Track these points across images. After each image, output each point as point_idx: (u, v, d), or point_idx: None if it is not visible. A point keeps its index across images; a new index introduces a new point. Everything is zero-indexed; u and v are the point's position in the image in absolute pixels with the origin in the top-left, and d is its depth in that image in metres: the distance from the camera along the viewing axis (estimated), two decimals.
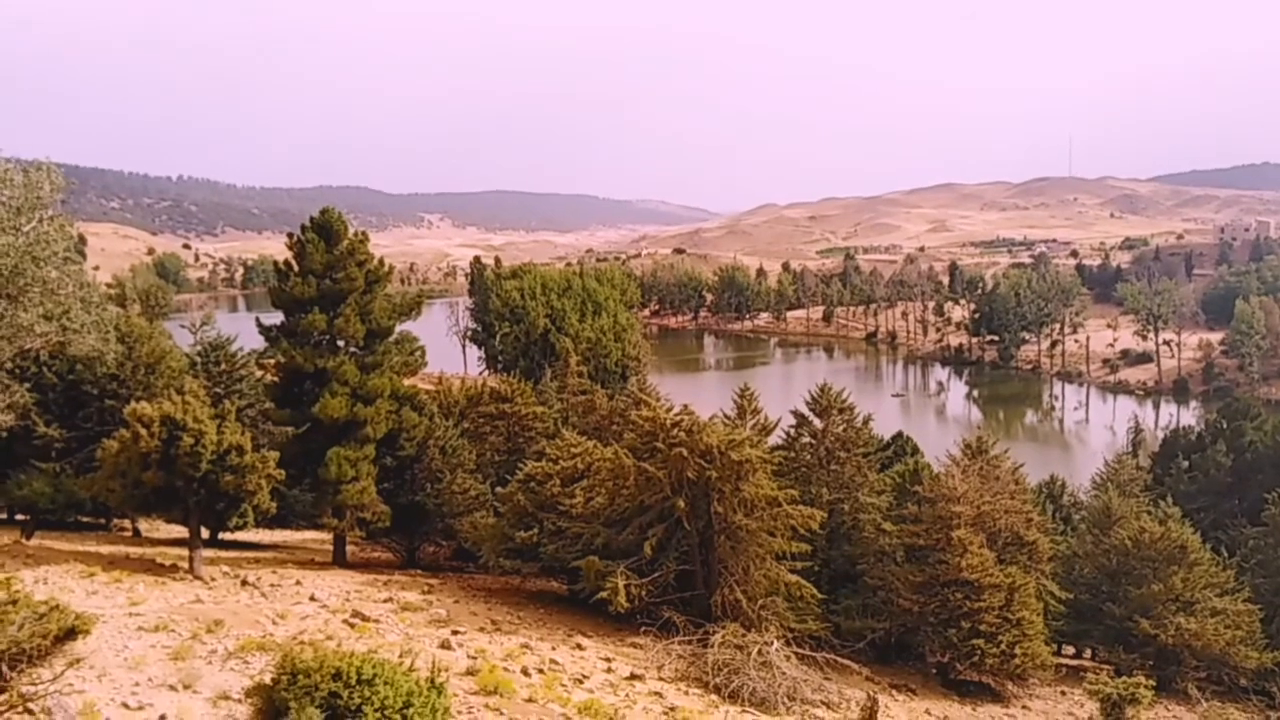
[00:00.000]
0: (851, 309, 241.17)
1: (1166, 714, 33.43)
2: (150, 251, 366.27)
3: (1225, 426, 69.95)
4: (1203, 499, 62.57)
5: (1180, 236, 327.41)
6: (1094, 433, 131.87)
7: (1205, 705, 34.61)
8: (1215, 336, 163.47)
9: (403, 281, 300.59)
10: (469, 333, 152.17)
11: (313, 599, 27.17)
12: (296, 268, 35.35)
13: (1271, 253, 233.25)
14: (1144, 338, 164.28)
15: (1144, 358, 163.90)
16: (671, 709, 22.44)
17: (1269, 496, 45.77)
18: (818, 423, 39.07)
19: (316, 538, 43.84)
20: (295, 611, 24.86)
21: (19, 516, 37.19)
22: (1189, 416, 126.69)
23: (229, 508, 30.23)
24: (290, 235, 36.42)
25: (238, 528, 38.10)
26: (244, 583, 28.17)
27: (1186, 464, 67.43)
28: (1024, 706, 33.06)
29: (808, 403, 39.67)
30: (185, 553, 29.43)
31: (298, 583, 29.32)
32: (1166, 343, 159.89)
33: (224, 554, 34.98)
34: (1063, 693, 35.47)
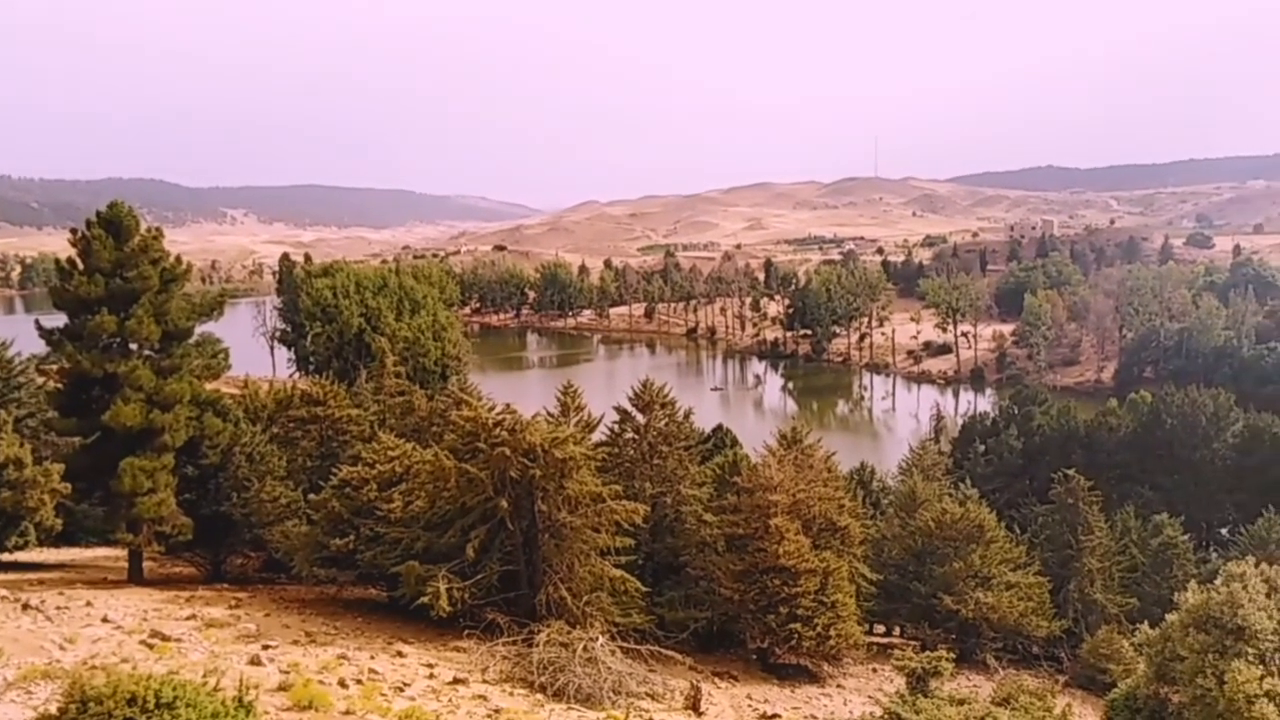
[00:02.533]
0: (672, 305, 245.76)
1: (967, 683, 35.45)
2: None
3: (1016, 412, 75.40)
4: (998, 480, 67.24)
5: (975, 234, 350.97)
6: (900, 421, 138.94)
7: (1002, 674, 37.02)
8: (1007, 328, 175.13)
9: (204, 280, 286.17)
10: (277, 333, 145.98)
11: (105, 620, 25.31)
12: (82, 266, 32.90)
13: (1055, 249, 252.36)
14: (944, 330, 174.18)
15: (944, 349, 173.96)
16: (496, 711, 22.10)
17: (1055, 476, 49.36)
18: (640, 418, 39.38)
19: (109, 554, 40.90)
20: (85, 634, 23.10)
21: None
22: (985, 403, 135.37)
23: (6, 526, 28.00)
24: (74, 231, 33.88)
25: (17, 547, 35.23)
26: (25, 606, 25.96)
27: (983, 448, 72.22)
28: (839, 685, 34.45)
29: (630, 398, 39.94)
30: None
31: (88, 604, 27.23)
32: (964, 334, 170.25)
33: (2, 576, 32.12)
34: (874, 670, 37.15)
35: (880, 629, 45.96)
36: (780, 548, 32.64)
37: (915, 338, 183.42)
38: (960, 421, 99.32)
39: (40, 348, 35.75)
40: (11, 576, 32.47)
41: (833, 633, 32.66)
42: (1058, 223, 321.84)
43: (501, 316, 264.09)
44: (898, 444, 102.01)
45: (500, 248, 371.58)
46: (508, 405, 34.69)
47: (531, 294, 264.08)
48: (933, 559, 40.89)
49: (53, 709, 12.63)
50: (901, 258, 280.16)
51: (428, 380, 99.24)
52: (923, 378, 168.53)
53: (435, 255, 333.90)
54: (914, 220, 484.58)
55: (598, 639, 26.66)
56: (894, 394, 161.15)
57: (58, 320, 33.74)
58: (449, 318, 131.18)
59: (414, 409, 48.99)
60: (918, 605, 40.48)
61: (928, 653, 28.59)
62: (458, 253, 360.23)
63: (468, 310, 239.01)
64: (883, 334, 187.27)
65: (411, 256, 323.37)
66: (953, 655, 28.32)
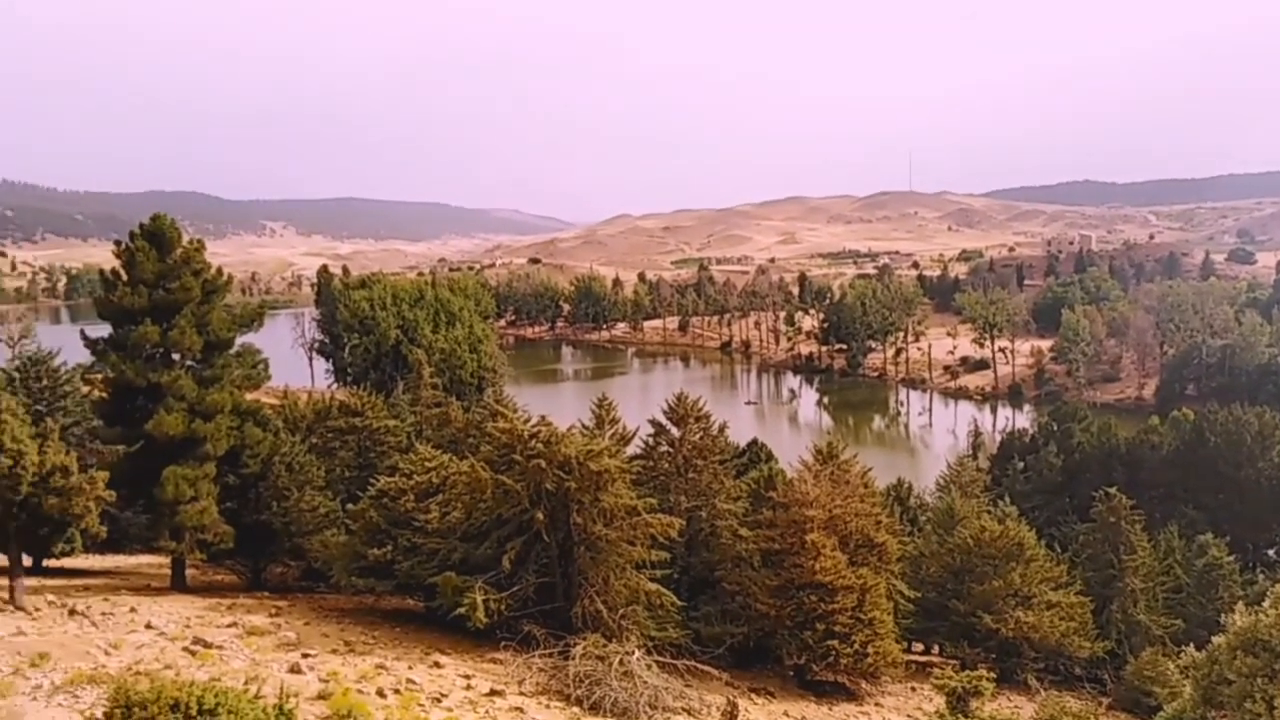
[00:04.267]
0: (706, 319, 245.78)
1: (1008, 704, 34.97)
2: None
3: (1056, 429, 74.50)
4: (1037, 497, 66.38)
5: (1012, 249, 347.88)
6: (937, 437, 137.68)
7: (1044, 695, 36.46)
8: (1045, 343, 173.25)
9: (244, 292, 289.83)
10: (316, 345, 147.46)
11: (149, 626, 25.62)
12: (126, 277, 33.50)
13: (1093, 264, 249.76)
14: (981, 345, 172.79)
15: (981, 364, 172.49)
16: None
17: (1096, 494, 48.66)
18: (675, 431, 39.34)
19: (153, 562, 41.48)
20: (130, 640, 23.39)
21: None
22: (1023, 420, 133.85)
23: (53, 533, 28.44)
24: (119, 243, 34.52)
25: (64, 554, 35.88)
26: (72, 612, 26.36)
27: (1022, 465, 71.42)
28: (877, 704, 34.06)
29: (665, 412, 39.91)
30: (4, 582, 27.34)
31: (132, 610, 27.59)
32: (1002, 350, 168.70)
33: (49, 582, 32.68)
34: (913, 689, 36.73)
35: (919, 647, 45.49)
36: (816, 563, 32.40)
37: (952, 353, 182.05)
38: (998, 438, 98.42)
39: (86, 357, 36.42)
40: (59, 582, 33.03)
41: (870, 650, 32.33)
42: (1095, 238, 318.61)
43: (536, 329, 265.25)
44: (935, 460, 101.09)
45: (535, 261, 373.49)
46: (543, 417, 34.75)
47: (566, 307, 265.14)
48: (971, 577, 40.42)
49: (98, 714, 12.80)
50: (937, 272, 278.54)
51: (464, 392, 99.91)
52: (960, 393, 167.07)
53: (471, 268, 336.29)
54: (949, 235, 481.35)
55: (634, 653, 26.59)
56: (930, 410, 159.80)
57: (102, 330, 34.34)
58: (484, 330, 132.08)
59: (450, 420, 49.38)
60: (957, 624, 40.00)
61: (967, 672, 28.27)
62: (493, 265, 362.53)
63: (503, 323, 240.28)
64: (919, 349, 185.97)
65: (447, 269, 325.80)
66: (993, 675, 27.93)
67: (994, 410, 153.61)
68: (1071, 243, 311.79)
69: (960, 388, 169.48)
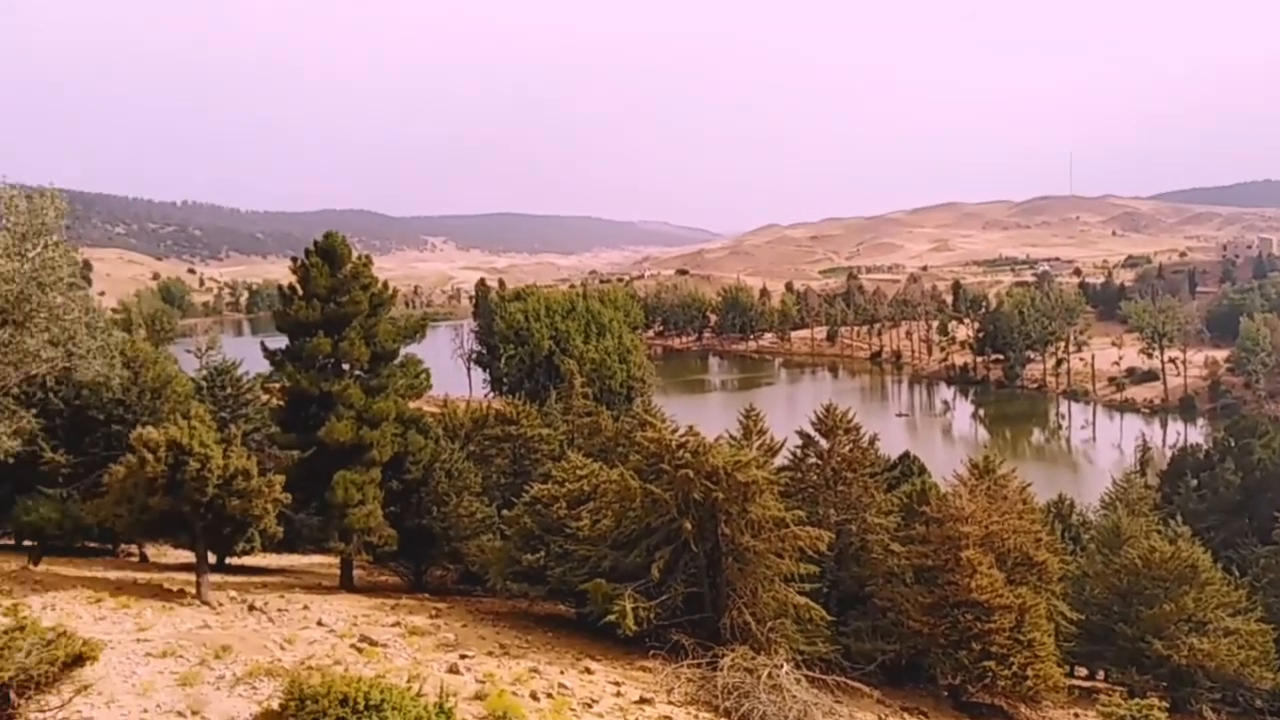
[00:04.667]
0: (855, 329, 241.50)
1: None
2: (155, 276, 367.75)
3: (1233, 444, 69.76)
4: (1212, 518, 62.31)
5: (1183, 254, 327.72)
6: (1101, 451, 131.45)
7: None
8: (1221, 354, 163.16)
9: (407, 304, 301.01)
10: (474, 355, 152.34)
11: (320, 624, 27.06)
12: (301, 292, 35.44)
13: (1275, 269, 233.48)
14: (1149, 355, 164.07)
15: (1150, 376, 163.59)
16: None
17: (1278, 515, 45.49)
18: (824, 443, 38.89)
19: (323, 562, 43.70)
20: (303, 636, 24.75)
21: (26, 543, 37.12)
22: (1196, 434, 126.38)
23: (235, 532, 30.22)
24: (294, 259, 36.56)
25: (244, 552, 38.21)
26: (251, 608, 28.08)
27: (1195, 482, 67.18)
28: None
29: (813, 423, 39.51)
30: (192, 578, 29.35)
31: (305, 607, 29.20)
32: (1172, 360, 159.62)
33: (231, 579, 34.89)
34: (1075, 715, 35.20)
35: (1082, 671, 43.51)
36: (972, 581, 31.44)
37: (1117, 364, 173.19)
38: (1169, 453, 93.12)
39: (265, 367, 38.70)
40: (239, 579, 35.26)
41: (1030, 673, 31.13)
42: (1276, 241, 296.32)
43: (683, 339, 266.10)
44: (1099, 476, 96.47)
45: (682, 272, 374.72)
46: (690, 427, 34.99)
47: (713, 317, 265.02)
48: (1140, 600, 38.38)
49: (274, 705, 13.57)
50: (1101, 279, 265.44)
51: (613, 401, 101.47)
52: (1126, 406, 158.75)
53: (620, 280, 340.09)
54: (1114, 240, 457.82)
55: (783, 666, 26.46)
56: (1094, 423, 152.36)
57: (280, 342, 36.35)
58: (633, 341, 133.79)
59: (600, 429, 50.29)
60: (1124, 648, 38.04)
61: (1136, 700, 26.96)
62: (641, 277, 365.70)
63: (651, 333, 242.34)
64: (1081, 359, 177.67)
65: (598, 281, 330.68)
66: (1165, 704, 26.57)
67: (1163, 424, 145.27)
68: (1250, 246, 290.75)
69: (1126, 400, 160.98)
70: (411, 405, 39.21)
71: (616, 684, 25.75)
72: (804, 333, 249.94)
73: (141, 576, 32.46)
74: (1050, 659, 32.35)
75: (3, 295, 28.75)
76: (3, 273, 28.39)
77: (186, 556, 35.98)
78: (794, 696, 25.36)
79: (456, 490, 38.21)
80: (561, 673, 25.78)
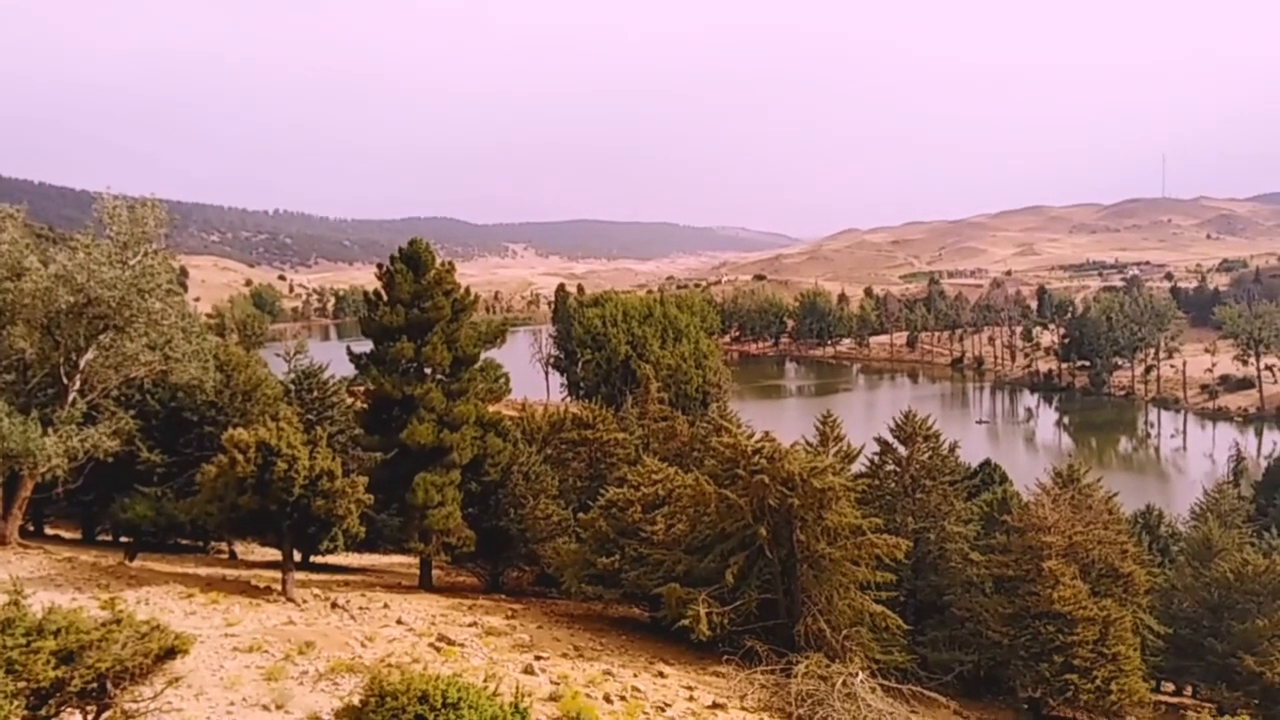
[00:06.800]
0: (936, 334, 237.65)
1: None
2: (248, 283, 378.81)
3: None
4: None
5: None
6: (1192, 461, 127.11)
7: None
8: None
9: (487, 310, 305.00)
10: (552, 360, 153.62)
11: (400, 622, 27.63)
12: (386, 297, 36.27)
13: None
14: (1244, 363, 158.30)
15: (1245, 383, 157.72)
16: None
17: None
18: (902, 450, 38.49)
19: (403, 562, 44.60)
20: (383, 634, 25.31)
21: (123, 539, 38.66)
22: None
23: (320, 531, 30.98)
24: (380, 266, 37.41)
25: (328, 551, 39.17)
26: (334, 605, 28.79)
27: None
28: None
29: (892, 429, 39.12)
30: (278, 575, 30.22)
31: (385, 606, 29.85)
32: (1269, 368, 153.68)
33: (315, 576, 35.81)
34: None
35: (1169, 687, 42.18)
36: (1055, 592, 30.78)
37: (1210, 371, 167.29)
38: (1264, 463, 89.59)
39: (350, 371, 39.65)
40: (323, 577, 36.20)
41: (1114, 687, 30.34)
42: None
43: (760, 345, 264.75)
44: (1189, 486, 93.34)
45: (760, 277, 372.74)
46: (766, 433, 34.90)
47: (790, 323, 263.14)
48: (1232, 614, 37.11)
49: (355, 700, 13.92)
50: (1194, 284, 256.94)
51: (689, 406, 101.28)
52: (1219, 414, 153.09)
53: (697, 285, 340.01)
54: (1208, 243, 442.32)
55: (857, 674, 26.25)
56: (1185, 432, 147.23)
57: (365, 346, 37.22)
58: (710, 346, 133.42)
59: (676, 434, 50.37)
60: (1213, 664, 36.81)
61: (1226, 717, 26.09)
62: (718, 282, 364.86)
63: (727, 338, 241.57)
64: (1172, 366, 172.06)
65: (675, 286, 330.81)
66: None
67: (1259, 433, 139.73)
68: None
69: (1219, 408, 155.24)
70: (491, 409, 39.79)
71: (689, 688, 25.82)
72: (883, 338, 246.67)
73: (230, 573, 33.55)
74: (1136, 673, 31.49)
75: (106, 301, 30.16)
76: (105, 279, 29.77)
77: (273, 554, 37.10)
78: (868, 705, 25.15)
79: (533, 493, 38.68)
80: (635, 676, 25.92)
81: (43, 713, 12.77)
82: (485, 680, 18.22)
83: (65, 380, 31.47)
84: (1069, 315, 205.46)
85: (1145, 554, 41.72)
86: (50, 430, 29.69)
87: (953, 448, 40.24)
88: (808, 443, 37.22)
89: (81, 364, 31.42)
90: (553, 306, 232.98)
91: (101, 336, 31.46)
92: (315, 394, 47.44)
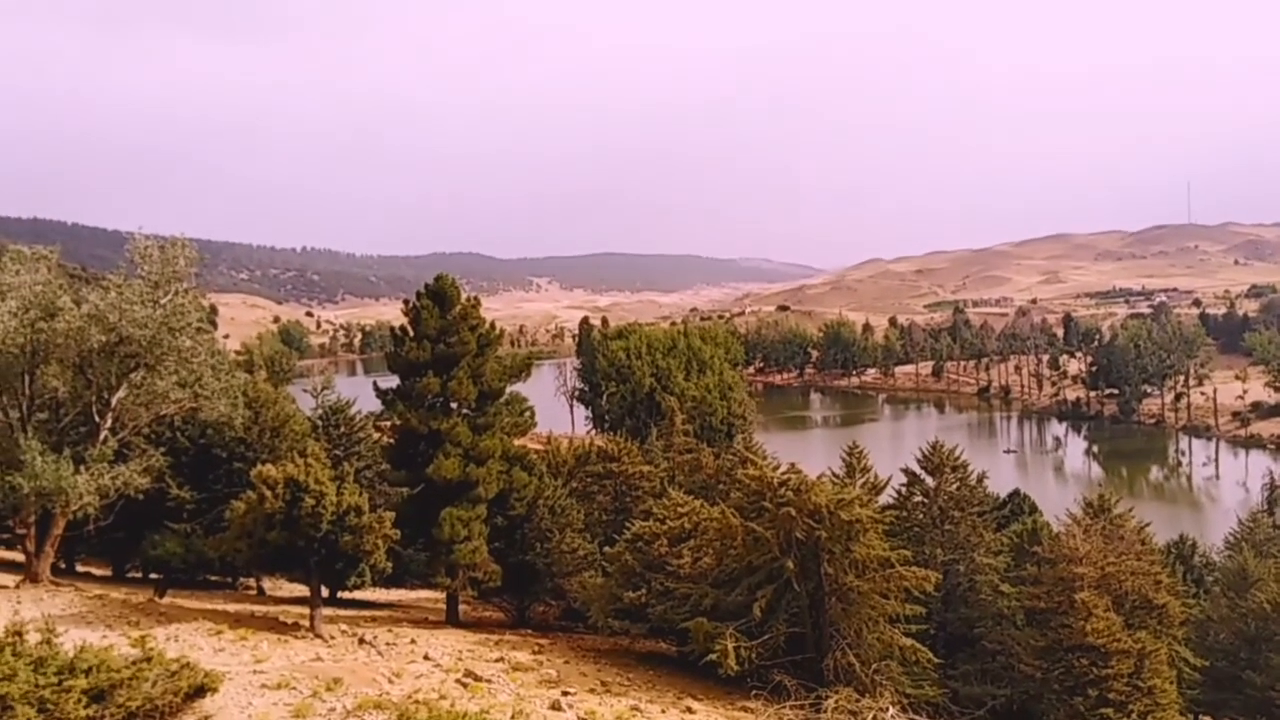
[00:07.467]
0: (962, 363, 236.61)
1: None
2: (276, 320, 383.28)
3: None
4: None
5: None
6: (1225, 490, 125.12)
7: None
8: None
9: (513, 343, 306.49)
10: (576, 393, 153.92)
11: (427, 658, 27.63)
12: (412, 333, 36.58)
13: None
14: (1276, 389, 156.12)
15: (1277, 410, 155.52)
16: None
17: None
18: (930, 481, 38.23)
19: (430, 597, 44.61)
20: (410, 670, 25.28)
21: (153, 575, 38.92)
22: None
23: (348, 567, 31.06)
24: (406, 301, 37.76)
25: (355, 586, 39.22)
26: (361, 641, 28.84)
27: None
28: None
29: (919, 460, 38.89)
30: (306, 611, 30.29)
31: (412, 641, 29.87)
32: None
33: (342, 612, 35.88)
34: None
35: None
36: (1087, 625, 30.34)
37: (1241, 398, 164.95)
38: None
39: (377, 406, 39.92)
40: (350, 613, 36.27)
41: None
42: None
43: (785, 376, 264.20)
44: (1223, 515, 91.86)
45: (783, 308, 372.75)
46: (792, 464, 34.77)
47: (814, 353, 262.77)
48: (1269, 646, 36.42)
49: None
50: (1222, 310, 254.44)
51: (714, 438, 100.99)
52: (1251, 442, 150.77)
53: (721, 316, 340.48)
54: (1236, 269, 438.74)
55: (888, 709, 25.93)
56: (1217, 459, 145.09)
57: (391, 381, 37.53)
58: (734, 377, 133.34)
59: (701, 466, 50.26)
60: (1252, 697, 36.09)
61: None
62: (742, 314, 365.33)
63: (752, 370, 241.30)
64: (1202, 394, 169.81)
65: (698, 318, 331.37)
66: None
67: None
68: None
69: (1252, 436, 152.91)
70: (516, 442, 39.85)
71: None
72: (908, 368, 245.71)
73: (259, 609, 33.68)
74: (1172, 707, 30.93)
75: (137, 340, 30.57)
76: (137, 319, 30.20)
77: (300, 590, 37.17)
78: None
79: (559, 527, 38.66)
80: (663, 711, 25.74)
81: None
82: (512, 717, 18.22)
83: (97, 418, 31.83)
84: (1096, 343, 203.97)
85: (1179, 585, 41.07)
86: (82, 468, 30.01)
87: (981, 478, 39.91)
88: (834, 474, 37.02)
89: (113, 402, 31.79)
90: (577, 339, 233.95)
91: (133, 375, 31.84)
92: (342, 429, 47.74)
